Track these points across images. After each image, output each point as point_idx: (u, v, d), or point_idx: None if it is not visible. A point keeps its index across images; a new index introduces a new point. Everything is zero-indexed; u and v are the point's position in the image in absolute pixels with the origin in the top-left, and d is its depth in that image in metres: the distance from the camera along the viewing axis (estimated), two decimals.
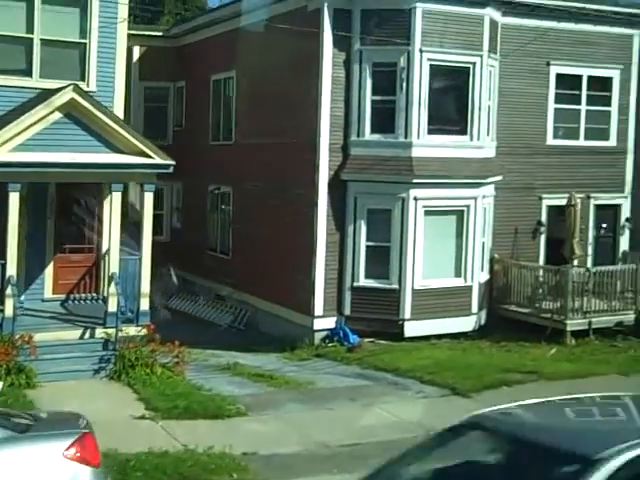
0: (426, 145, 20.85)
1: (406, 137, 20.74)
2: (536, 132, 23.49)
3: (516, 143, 23.20)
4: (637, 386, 16.64)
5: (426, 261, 21.13)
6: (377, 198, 20.96)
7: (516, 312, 22.32)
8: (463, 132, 21.41)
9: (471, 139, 21.44)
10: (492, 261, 22.94)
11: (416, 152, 20.76)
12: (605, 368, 18.22)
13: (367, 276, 21.17)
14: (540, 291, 21.80)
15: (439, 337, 21.16)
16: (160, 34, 28.47)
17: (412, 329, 20.95)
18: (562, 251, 22.77)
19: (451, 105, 21.62)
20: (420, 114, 20.71)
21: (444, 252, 21.46)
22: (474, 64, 21.26)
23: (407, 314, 20.97)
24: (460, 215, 21.53)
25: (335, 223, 21.07)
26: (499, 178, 22.68)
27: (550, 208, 23.71)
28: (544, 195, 23.54)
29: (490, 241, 22.79)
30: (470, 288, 21.70)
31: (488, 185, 22.10)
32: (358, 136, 20.94)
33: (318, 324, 21.10)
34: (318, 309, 21.06)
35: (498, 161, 22.70)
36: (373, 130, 20.96)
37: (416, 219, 20.87)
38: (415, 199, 20.80)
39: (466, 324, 21.70)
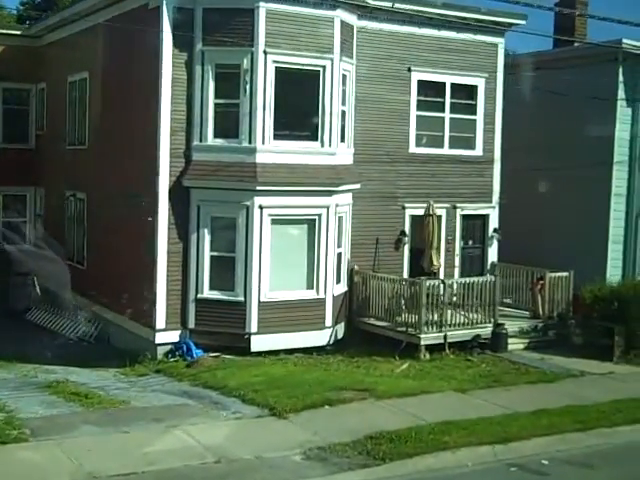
0: (272, 151, 19.43)
1: (250, 142, 19.29)
2: (398, 139, 22.23)
3: (377, 151, 21.91)
4: (464, 404, 15.43)
5: (274, 272, 19.68)
6: (221, 206, 19.47)
7: (374, 325, 20.97)
8: (313, 138, 20.03)
9: (322, 145, 20.07)
10: (352, 273, 21.62)
11: (260, 158, 19.33)
12: (446, 385, 16.91)
13: (212, 288, 19.64)
14: (397, 304, 20.48)
15: (290, 352, 19.70)
16: (19, 33, 26.71)
17: (259, 343, 19.47)
18: (421, 262, 21.57)
19: (300, 110, 20.19)
20: (265, 119, 19.29)
21: (294, 263, 20.04)
22: (324, 67, 19.90)
23: (254, 328, 19.48)
24: (312, 224, 20.13)
25: (178, 232, 19.51)
26: (357, 186, 21.37)
27: (414, 218, 22.41)
28: (407, 204, 22.25)
29: (349, 252, 21.46)
30: (323, 301, 20.29)
31: (343, 193, 20.76)
32: (201, 141, 19.42)
33: (160, 338, 19.50)
34: (160, 322, 19.47)
35: (356, 169, 21.40)
36: (216, 135, 19.47)
37: (262, 228, 19.41)
38: (260, 207, 19.35)
39: (320, 338, 20.27)
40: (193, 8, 19.22)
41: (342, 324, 21.19)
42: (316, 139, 20.04)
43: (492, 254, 23.94)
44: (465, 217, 23.45)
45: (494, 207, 23.83)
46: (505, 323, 20.46)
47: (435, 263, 21.14)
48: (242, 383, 16.47)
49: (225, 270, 19.58)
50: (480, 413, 14.72)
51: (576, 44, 27.09)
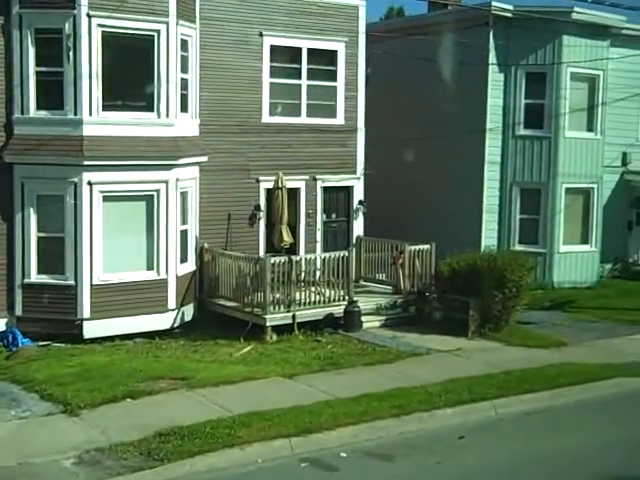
0: (101, 123, 17.88)
1: (76, 114, 17.70)
2: (250, 109, 20.83)
3: (226, 121, 20.48)
4: (285, 391, 14.25)
5: (109, 253, 18.21)
6: (47, 183, 17.88)
7: (224, 307, 19.67)
8: (149, 108, 18.51)
9: (159, 116, 18.57)
10: (201, 251, 20.28)
11: (88, 131, 17.77)
12: (278, 369, 15.68)
13: (40, 271, 18.10)
14: (244, 283, 19.19)
15: (131, 337, 18.34)
16: None
17: (93, 329, 18.01)
18: (272, 238, 20.32)
19: (133, 79, 18.61)
20: (92, 88, 17.71)
21: (132, 243, 18.58)
22: (158, 32, 18.37)
23: (86, 313, 18.00)
24: (150, 201, 18.69)
25: (2, 212, 17.94)
26: (204, 159, 19.96)
27: (269, 191, 21.09)
28: (262, 177, 20.91)
29: (197, 229, 20.09)
30: (165, 282, 18.90)
31: (186, 167, 19.32)
32: (22, 113, 17.76)
33: None
34: None
35: (202, 140, 19.98)
36: (39, 106, 17.83)
37: (92, 206, 17.90)
38: (90, 183, 17.83)
39: (163, 321, 18.90)
40: None
41: (191, 305, 19.85)
42: (152, 109, 18.54)
43: (358, 228, 22.77)
44: (327, 189, 22.20)
45: (359, 178, 22.63)
46: (358, 300, 19.30)
47: (286, 239, 19.86)
48: (52, 375, 15.01)
49: (54, 252, 18.06)
50: (297, 401, 13.54)
51: (450, 8, 25.98)
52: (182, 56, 19.16)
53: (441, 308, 19.50)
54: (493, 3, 23.86)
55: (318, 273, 19.44)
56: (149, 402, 13.52)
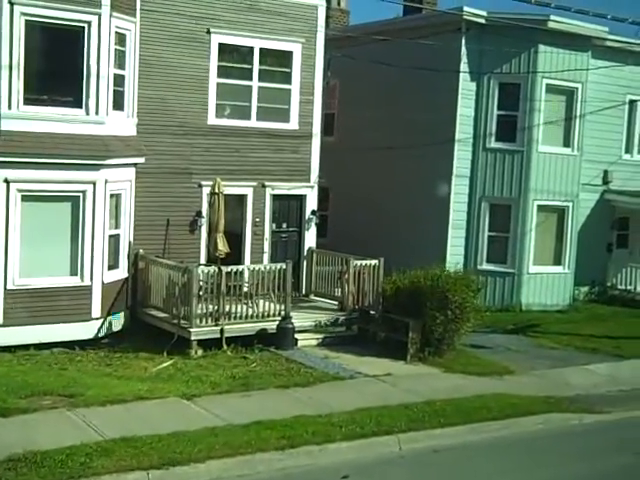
0: (21, 117, 16.63)
1: None
2: (194, 110, 19.53)
3: (168, 121, 19.20)
4: (177, 414, 12.91)
5: (27, 256, 16.93)
6: None
7: (155, 317, 18.36)
8: (77, 104, 17.27)
9: (87, 113, 17.33)
10: (136, 257, 19.01)
11: (6, 125, 16.52)
12: (183, 389, 14.35)
13: None
14: (173, 293, 17.88)
15: (50, 346, 17.09)
16: None
17: (5, 337, 16.65)
18: (209, 246, 19.02)
19: (60, 72, 17.26)
20: (12, 80, 16.49)
21: (54, 246, 17.27)
22: (89, 24, 17.15)
23: None
24: (75, 202, 17.46)
25: None
26: (140, 160, 18.69)
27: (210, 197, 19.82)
28: (204, 182, 19.56)
29: (131, 234, 18.82)
30: (89, 289, 17.62)
31: (118, 168, 18.04)
32: None
33: None
34: None
35: (139, 141, 18.74)
36: None
37: (8, 205, 16.68)
38: (7, 181, 16.61)
39: (85, 331, 17.58)
40: None
41: (121, 314, 18.56)
42: (80, 106, 17.31)
43: (310, 239, 21.40)
44: (277, 197, 20.86)
45: (312, 187, 21.26)
46: (292, 316, 17.90)
47: (221, 248, 18.52)
48: None
49: None
50: (182, 426, 12.16)
51: (424, 12, 24.61)
52: (118, 51, 17.97)
53: (383, 328, 18.06)
54: (465, 8, 22.45)
55: (247, 286, 18.04)
56: (19, 421, 12.21)
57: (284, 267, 18.23)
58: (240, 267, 17.99)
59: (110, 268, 18.16)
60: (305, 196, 21.20)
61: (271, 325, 17.84)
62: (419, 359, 17.18)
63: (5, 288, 16.81)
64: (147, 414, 12.85)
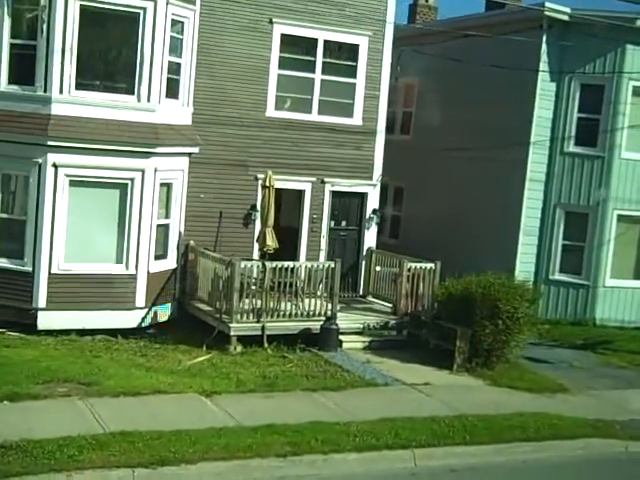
0: (72, 102, 16.41)
1: (45, 91, 16.33)
2: (253, 101, 18.96)
3: (225, 112, 18.67)
4: (192, 411, 12.34)
5: (73, 241, 16.71)
6: (13, 162, 16.55)
7: (200, 310, 17.88)
8: (128, 91, 16.92)
9: (139, 100, 16.96)
10: (186, 249, 18.57)
11: (57, 109, 16.35)
12: (206, 384, 13.74)
13: (1, 254, 16.84)
14: (218, 287, 17.32)
15: (92, 333, 16.83)
16: None
17: (48, 321, 16.53)
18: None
19: (112, 58, 17.05)
20: (65, 65, 16.28)
21: (100, 233, 16.99)
22: (144, 10, 16.78)
23: (42, 303, 16.55)
24: (123, 190, 17.15)
25: None
26: (194, 150, 18.25)
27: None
28: (261, 175, 18.90)
29: (182, 224, 18.38)
30: (134, 277, 17.26)
31: (170, 157, 17.64)
32: None
33: None
34: None
35: (194, 130, 18.28)
36: (12, 80, 16.54)
37: (56, 190, 16.49)
38: (55, 166, 16.41)
39: (129, 320, 17.24)
40: None
41: (168, 305, 18.15)
42: (132, 93, 16.95)
43: (370, 238, 20.52)
44: (337, 194, 20.07)
45: (374, 185, 20.37)
46: (337, 317, 17.10)
47: (269, 243, 17.80)
48: None
49: (16, 235, 16.74)
50: (190, 424, 11.54)
51: (506, 8, 23.35)
52: (174, 38, 17.54)
53: (433, 335, 17.04)
54: (547, 4, 21.09)
55: (293, 284, 17.31)
56: (26, 407, 11.85)
57: (332, 266, 17.44)
58: (286, 263, 17.26)
59: (157, 258, 17.78)
60: (366, 194, 20.34)
61: (315, 325, 17.08)
62: (466, 369, 16.09)
63: (49, 272, 16.62)
64: (159, 409, 12.31)
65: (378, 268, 19.81)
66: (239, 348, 16.56)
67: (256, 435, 11.30)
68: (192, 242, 18.44)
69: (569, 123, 21.72)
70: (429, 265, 18.36)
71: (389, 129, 26.32)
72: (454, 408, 13.41)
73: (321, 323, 17.00)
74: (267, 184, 17.82)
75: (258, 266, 16.91)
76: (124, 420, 11.51)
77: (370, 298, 20.10)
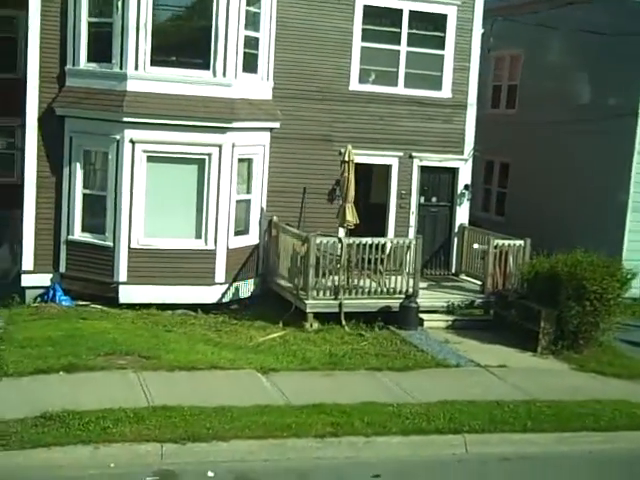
0: (147, 78, 16.25)
1: (121, 68, 16.26)
2: (336, 74, 18.31)
3: (307, 86, 18.13)
4: (244, 386, 11.99)
5: (151, 217, 16.63)
6: (93, 138, 16.61)
7: (280, 286, 17.51)
8: (204, 66, 16.61)
9: (215, 75, 16.62)
10: (269, 225, 18.22)
11: (132, 86, 16.26)
12: (269, 360, 13.37)
13: (84, 229, 16.90)
14: (296, 263, 16.87)
15: (173, 307, 16.76)
16: None
17: (129, 294, 16.56)
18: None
19: (187, 33, 16.86)
20: (139, 41, 16.14)
21: (178, 208, 16.85)
22: None
23: (122, 277, 16.59)
24: (201, 165, 16.94)
25: (50, 165, 16.79)
26: (275, 125, 17.85)
27: (356, 167, 18.47)
28: None
29: (264, 200, 18.04)
30: (213, 253, 17.05)
31: (249, 132, 17.28)
32: (74, 64, 16.58)
33: (27, 280, 16.96)
34: (27, 263, 16.88)
35: (273, 105, 17.86)
36: (90, 58, 16.53)
37: (133, 165, 16.41)
38: (132, 142, 16.34)
39: (208, 295, 17.07)
40: None
41: (250, 281, 17.89)
42: (207, 67, 16.66)
43: (462, 215, 19.58)
44: (426, 169, 19.21)
45: (466, 160, 19.38)
46: (425, 295, 16.53)
47: (349, 219, 17.13)
48: (30, 337, 13.71)
49: (97, 211, 16.82)
50: (237, 401, 11.16)
51: None
52: (252, 12, 17.14)
53: (517, 315, 15.99)
54: None
55: (373, 260, 16.60)
56: (79, 378, 11.78)
57: (414, 242, 16.67)
58: (364, 239, 16.58)
59: (238, 234, 17.51)
60: (458, 169, 19.38)
61: (395, 303, 16.37)
62: (551, 352, 15.00)
63: (129, 247, 16.63)
64: (210, 384, 12.02)
65: (476, 245, 18.77)
66: (315, 325, 16.07)
67: (301, 414, 10.79)
68: (275, 218, 18.05)
69: None
70: (518, 242, 17.29)
71: (494, 103, 25.45)
72: (526, 392, 12.46)
73: (401, 301, 16.29)
74: (346, 159, 17.17)
75: (334, 242, 16.33)
76: (172, 395, 11.26)
77: (463, 276, 19.19)
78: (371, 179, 19.75)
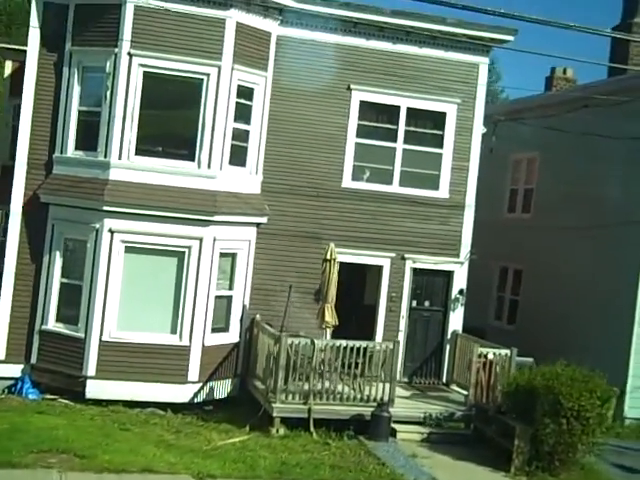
0: (131, 168, 16.32)
1: (105, 156, 16.38)
2: (328, 170, 18.07)
3: (297, 181, 17.90)
4: None
5: (126, 309, 16.41)
6: (74, 226, 16.66)
7: (255, 388, 16.92)
8: (188, 157, 16.65)
9: (199, 166, 16.62)
10: (252, 323, 17.74)
11: (115, 175, 16.30)
12: (213, 467, 12.71)
13: (58, 319, 16.79)
14: (269, 363, 16.27)
15: (143, 405, 16.28)
16: None
17: (97, 390, 16.17)
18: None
19: (174, 124, 16.91)
20: (125, 130, 16.29)
21: (156, 301, 16.60)
22: (208, 76, 16.56)
23: (91, 371, 16.26)
24: (181, 258, 16.70)
25: (31, 252, 16.89)
26: (262, 220, 17.60)
27: (345, 266, 18.06)
28: (336, 249, 17.83)
29: (247, 297, 17.62)
30: (187, 349, 16.63)
31: (232, 226, 17.05)
32: (62, 152, 16.82)
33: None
34: None
35: (261, 199, 17.64)
36: (78, 146, 16.79)
37: (111, 255, 16.29)
38: (111, 231, 16.25)
39: (179, 394, 16.56)
40: (67, 4, 16.76)
41: (228, 381, 17.36)
42: (192, 159, 16.67)
43: (455, 321, 18.80)
44: (419, 271, 18.60)
45: (462, 263, 18.73)
46: (405, 405, 15.82)
47: (328, 320, 16.58)
48: None
49: (73, 300, 16.67)
50: None
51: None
52: (242, 105, 17.14)
53: (494, 431, 15.05)
54: None
55: (347, 365, 15.91)
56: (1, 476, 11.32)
57: (391, 347, 15.99)
58: (339, 342, 15.98)
59: (216, 331, 17.11)
60: (453, 273, 18.73)
61: (368, 411, 15.58)
62: (526, 473, 14.04)
63: (101, 340, 16.33)
64: None
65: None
66: (282, 431, 15.38)
67: None
68: (258, 316, 17.59)
69: None
70: (504, 351, 16.45)
71: (511, 207, 24.91)
72: None
73: (372, 409, 15.51)
74: (328, 257, 16.74)
75: (306, 343, 15.75)
76: None
77: (453, 387, 18.31)
78: (365, 280, 19.27)
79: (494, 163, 25.58)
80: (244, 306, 17.57)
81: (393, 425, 15.55)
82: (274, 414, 15.41)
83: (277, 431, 15.33)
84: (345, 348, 15.91)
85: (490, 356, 16.46)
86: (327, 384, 15.79)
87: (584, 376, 14.14)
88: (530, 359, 16.65)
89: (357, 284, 19.20)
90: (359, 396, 15.88)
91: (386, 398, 15.77)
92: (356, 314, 18.81)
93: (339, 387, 15.90)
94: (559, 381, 13.91)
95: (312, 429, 15.41)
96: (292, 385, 15.60)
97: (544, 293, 22.29)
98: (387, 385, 15.87)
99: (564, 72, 27.83)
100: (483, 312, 24.75)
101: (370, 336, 18.15)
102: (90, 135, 16.63)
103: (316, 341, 15.79)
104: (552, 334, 20.77)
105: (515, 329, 23.46)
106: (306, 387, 15.65)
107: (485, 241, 24.45)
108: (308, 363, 15.73)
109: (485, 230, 24.44)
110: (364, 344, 16.08)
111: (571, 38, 53.67)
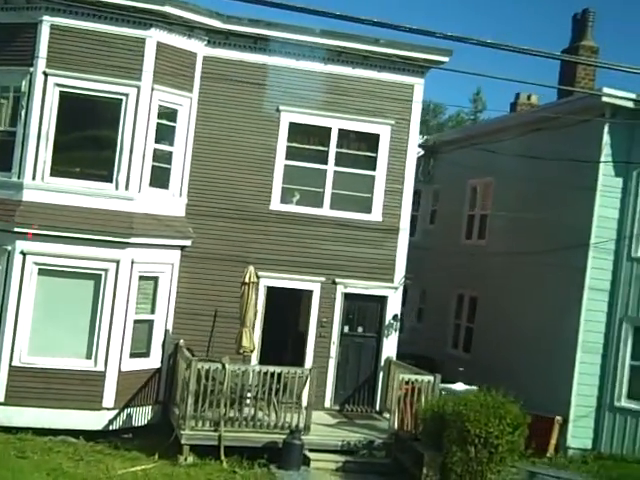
0: (45, 189, 16.03)
1: (19, 177, 16.12)
2: (256, 193, 17.70)
3: (223, 203, 17.54)
4: None
5: (39, 333, 16.00)
6: None
7: (173, 414, 16.42)
8: (106, 179, 16.34)
9: (116, 188, 16.31)
10: (176, 348, 17.30)
11: (29, 196, 16.01)
12: None
13: None
14: (183, 389, 15.80)
15: (55, 432, 15.81)
16: None
17: (5, 417, 15.69)
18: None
19: (91, 144, 16.59)
20: (40, 151, 16.05)
21: (69, 325, 16.17)
22: (126, 96, 16.32)
23: (0, 397, 15.86)
24: (97, 281, 16.32)
25: None
26: (186, 242, 17.23)
27: (272, 290, 17.67)
28: (263, 273, 17.47)
29: (169, 321, 17.19)
30: (102, 375, 16.19)
31: (153, 248, 16.67)
32: None
33: None
34: None
35: (185, 222, 17.29)
36: None
37: (23, 278, 15.94)
38: (23, 253, 15.93)
39: (94, 421, 16.10)
40: None
41: (148, 408, 16.89)
42: (110, 180, 16.37)
43: (389, 347, 18.27)
44: (352, 296, 18.14)
45: (396, 288, 18.25)
46: (322, 433, 15.27)
47: (245, 344, 16.13)
48: None
49: None
50: None
51: (575, 96, 20.82)
52: (164, 126, 16.88)
53: (407, 459, 14.49)
54: (606, 89, 18.43)
55: (256, 390, 15.44)
56: None
57: (304, 373, 15.50)
58: (252, 367, 15.53)
59: (135, 356, 16.68)
60: (386, 298, 18.24)
61: (281, 439, 15.06)
62: None
63: (10, 365, 15.91)
64: None
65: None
66: (190, 459, 14.90)
67: None
68: (182, 341, 17.14)
69: (638, 223, 18.64)
70: (427, 378, 15.90)
71: (468, 234, 24.44)
72: None
73: (283, 437, 14.98)
74: (247, 280, 16.31)
75: (216, 368, 15.27)
76: None
77: (386, 414, 17.71)
78: (299, 306, 18.82)
79: (452, 189, 25.37)
80: (167, 331, 17.15)
81: (308, 453, 15.06)
82: (183, 441, 14.95)
83: (185, 459, 14.85)
84: (259, 373, 15.46)
85: (413, 382, 15.92)
86: (242, 410, 15.31)
87: (496, 402, 13.59)
88: (474, 387, 16.08)
89: (291, 310, 18.78)
90: (273, 423, 15.37)
91: (302, 425, 15.25)
92: (290, 340, 18.38)
93: (254, 413, 15.41)
94: (468, 407, 13.37)
95: (222, 457, 14.91)
96: (203, 411, 15.13)
97: (496, 320, 21.75)
98: (303, 412, 15.37)
99: (528, 98, 27.61)
100: (442, 341, 24.26)
101: (300, 363, 17.67)
102: (4, 155, 16.36)
103: (227, 366, 15.31)
104: (505, 362, 20.19)
105: (471, 357, 22.89)
106: (218, 414, 15.17)
107: (444, 268, 24.18)
108: (220, 389, 15.25)
109: (445, 257, 24.17)
110: (279, 369, 15.57)
111: (530, 63, 54.43)
